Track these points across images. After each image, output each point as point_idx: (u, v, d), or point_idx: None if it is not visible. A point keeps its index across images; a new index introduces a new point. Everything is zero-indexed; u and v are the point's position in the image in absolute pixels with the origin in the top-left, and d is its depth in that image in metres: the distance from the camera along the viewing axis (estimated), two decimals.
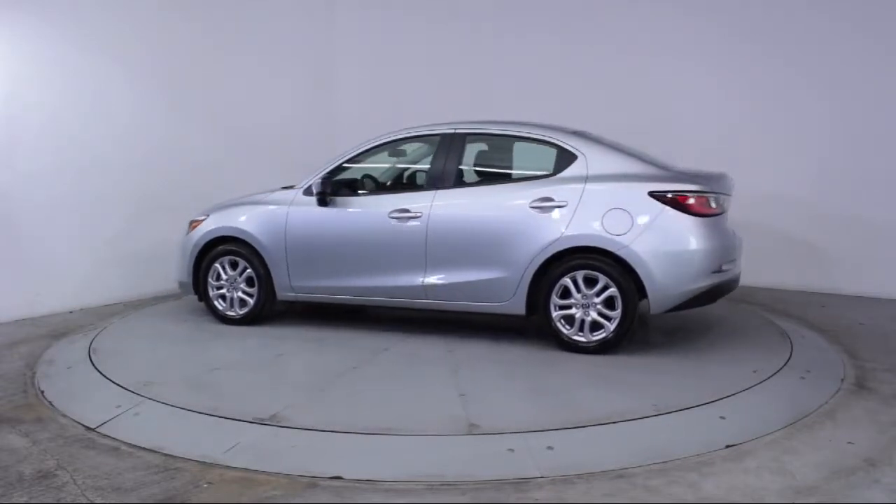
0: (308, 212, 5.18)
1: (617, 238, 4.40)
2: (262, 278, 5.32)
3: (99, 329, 5.39)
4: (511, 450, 3.19)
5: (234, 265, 5.43)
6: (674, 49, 7.05)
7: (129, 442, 3.40)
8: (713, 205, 4.49)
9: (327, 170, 5.22)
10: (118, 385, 4.10)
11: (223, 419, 3.54)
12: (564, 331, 4.57)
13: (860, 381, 4.18)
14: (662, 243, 4.36)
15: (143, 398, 3.85)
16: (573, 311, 4.54)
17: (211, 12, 7.22)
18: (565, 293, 4.55)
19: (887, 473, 3.01)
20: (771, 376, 4.11)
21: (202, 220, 5.57)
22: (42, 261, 5.97)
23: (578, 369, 4.27)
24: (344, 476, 3.01)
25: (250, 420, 3.52)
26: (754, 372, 4.11)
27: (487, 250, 4.70)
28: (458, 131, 5.05)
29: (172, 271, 5.80)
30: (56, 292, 6.06)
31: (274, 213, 5.28)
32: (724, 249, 4.54)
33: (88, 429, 3.60)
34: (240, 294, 5.43)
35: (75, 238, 6.19)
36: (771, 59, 6.64)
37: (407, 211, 4.89)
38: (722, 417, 3.55)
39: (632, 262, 4.38)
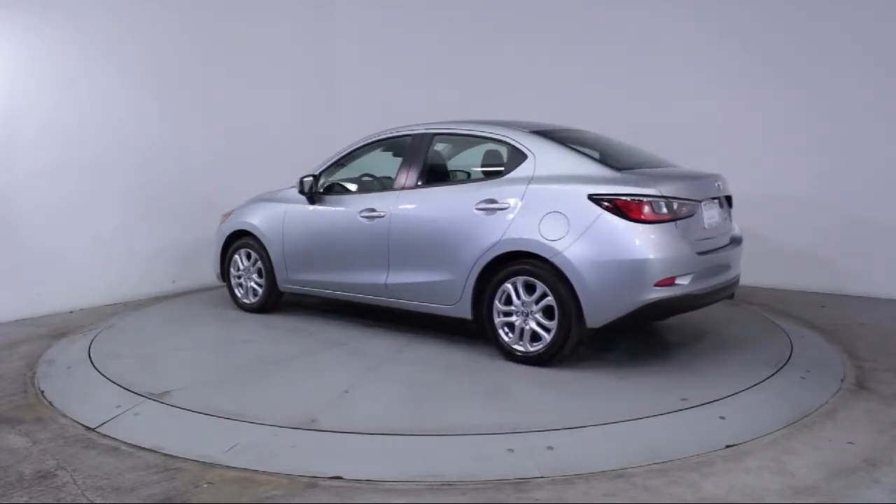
0: (300, 209, 5.45)
1: (551, 243, 4.10)
2: (269, 270, 5.65)
3: (99, 329, 5.40)
4: (511, 450, 3.18)
5: (248, 257, 5.83)
6: (673, 50, 7.05)
7: (129, 442, 3.41)
8: (663, 210, 4.04)
9: (318, 170, 5.41)
10: (89, 357, 4.58)
11: (222, 419, 3.55)
12: (505, 339, 4.36)
13: (860, 381, 4.18)
14: (597, 251, 3.99)
15: (142, 398, 3.85)
16: (514, 318, 4.32)
17: (211, 13, 7.21)
18: (509, 300, 4.34)
19: (887, 473, 3.01)
20: (771, 376, 4.10)
21: (229, 214, 6.02)
22: (42, 261, 5.97)
23: (490, 379, 4.11)
24: (344, 476, 3.01)
25: (141, 393, 3.89)
26: (683, 399, 3.68)
27: (437, 252, 4.63)
28: (427, 131, 5.04)
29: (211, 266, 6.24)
30: (56, 292, 6.07)
31: (276, 210, 5.62)
32: (676, 261, 4.03)
33: (88, 429, 3.60)
34: (252, 284, 5.81)
35: (75, 238, 6.19)
36: (772, 59, 6.64)
37: (374, 210, 4.96)
38: (722, 417, 3.54)
39: (564, 269, 4.06)
